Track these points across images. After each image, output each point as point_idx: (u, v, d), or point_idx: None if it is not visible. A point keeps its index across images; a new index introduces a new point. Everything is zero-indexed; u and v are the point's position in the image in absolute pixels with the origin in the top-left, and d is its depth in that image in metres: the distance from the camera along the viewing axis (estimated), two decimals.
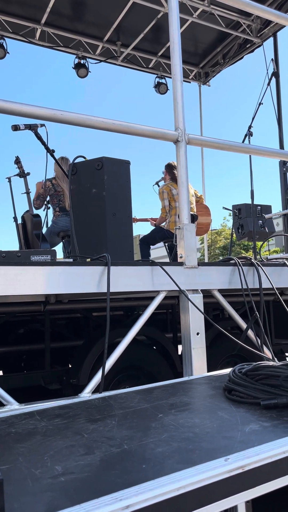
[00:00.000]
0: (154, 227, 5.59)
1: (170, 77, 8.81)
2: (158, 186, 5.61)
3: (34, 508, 0.86)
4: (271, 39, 7.30)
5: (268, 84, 5.13)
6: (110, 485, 0.94)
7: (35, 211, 4.83)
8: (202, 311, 2.37)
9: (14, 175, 4.23)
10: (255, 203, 5.28)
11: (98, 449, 1.15)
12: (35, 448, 1.19)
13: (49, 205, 5.09)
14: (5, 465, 1.07)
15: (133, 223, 4.50)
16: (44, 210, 5.03)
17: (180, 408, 1.48)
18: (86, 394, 2.02)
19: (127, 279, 2.24)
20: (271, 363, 1.63)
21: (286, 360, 3.79)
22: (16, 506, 0.87)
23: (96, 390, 2.05)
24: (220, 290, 2.59)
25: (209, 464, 1.01)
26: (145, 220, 6.33)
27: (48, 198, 5.05)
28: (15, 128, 3.37)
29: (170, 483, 0.93)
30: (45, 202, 4.94)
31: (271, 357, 2.52)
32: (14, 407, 1.83)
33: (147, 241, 5.48)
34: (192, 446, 1.13)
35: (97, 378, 2.08)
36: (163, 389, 1.77)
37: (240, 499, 0.99)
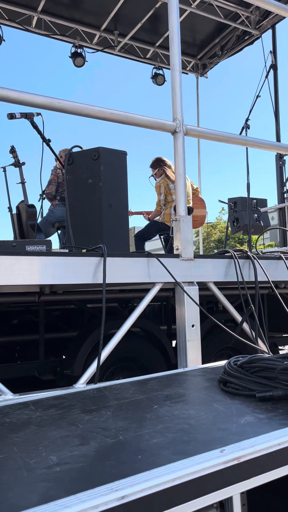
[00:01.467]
0: (148, 222, 5.55)
1: (168, 68, 8.73)
2: (155, 179, 5.57)
3: (29, 498, 0.85)
4: (270, 31, 7.25)
5: (266, 76, 5.10)
6: (105, 476, 0.93)
7: (37, 201, 4.84)
8: (198, 303, 2.37)
9: (9, 165, 4.18)
10: (251, 196, 5.27)
11: (93, 439, 1.15)
12: (30, 438, 1.18)
13: (44, 196, 5.06)
14: None
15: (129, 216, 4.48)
16: (39, 201, 5.00)
17: (175, 400, 1.48)
18: (81, 384, 2.01)
19: (123, 270, 2.23)
20: (266, 355, 1.63)
21: (279, 353, 3.81)
22: (10, 495, 0.87)
23: (91, 381, 2.04)
24: (215, 283, 2.59)
25: (205, 455, 1.01)
26: (140, 213, 6.31)
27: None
28: (11, 116, 3.32)
29: (165, 474, 0.93)
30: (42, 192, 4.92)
31: (266, 350, 2.53)
32: (8, 397, 1.82)
33: (143, 237, 5.45)
34: (187, 438, 1.13)
35: (92, 369, 2.08)
36: (158, 381, 1.77)
37: (235, 490, 0.99)
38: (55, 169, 5.08)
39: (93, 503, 0.83)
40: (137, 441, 1.12)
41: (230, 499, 1.00)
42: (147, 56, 8.03)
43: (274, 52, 6.83)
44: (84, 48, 7.45)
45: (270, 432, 1.13)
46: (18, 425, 1.30)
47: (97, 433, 1.20)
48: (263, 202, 5.77)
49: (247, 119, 4.80)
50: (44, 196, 5.01)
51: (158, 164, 5.25)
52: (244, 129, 4.76)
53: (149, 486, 0.89)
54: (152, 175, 5.69)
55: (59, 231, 5.22)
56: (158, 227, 5.28)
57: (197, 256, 2.51)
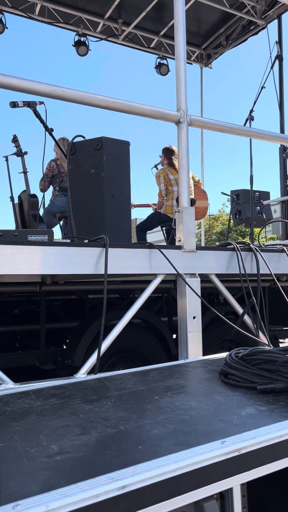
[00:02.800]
0: (151, 212, 5.55)
1: (172, 58, 8.63)
2: (157, 169, 5.55)
3: (29, 487, 0.85)
4: (276, 21, 7.15)
5: (271, 67, 5.05)
6: (106, 465, 0.93)
7: (39, 192, 4.80)
8: (200, 295, 2.36)
9: (11, 154, 4.15)
10: (254, 189, 5.24)
11: (94, 429, 1.15)
12: (31, 427, 1.19)
13: (46, 189, 5.05)
14: (0, 443, 1.07)
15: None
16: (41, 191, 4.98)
17: (176, 391, 1.48)
18: (82, 375, 2.02)
19: (125, 261, 2.22)
20: (267, 348, 1.62)
21: (279, 346, 3.81)
22: (11, 484, 0.87)
23: (92, 371, 2.05)
24: (217, 275, 2.58)
25: (206, 446, 1.01)
26: (144, 205, 6.29)
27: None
28: (13, 105, 3.29)
29: (166, 464, 0.93)
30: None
31: (267, 343, 2.53)
32: (9, 386, 1.82)
33: (144, 227, 5.44)
34: (188, 429, 1.13)
35: (93, 359, 2.08)
36: (159, 372, 1.77)
37: (235, 482, 0.99)
38: (50, 162, 5.03)
39: (93, 492, 0.83)
40: (138, 432, 1.12)
41: (230, 490, 1.00)
42: (151, 46, 7.94)
43: (280, 42, 6.74)
44: (87, 36, 7.36)
45: (271, 424, 1.13)
46: (19, 414, 1.30)
47: (98, 423, 1.20)
48: (266, 195, 5.73)
49: (251, 111, 4.76)
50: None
51: (167, 153, 5.24)
52: (248, 121, 4.72)
53: (150, 476, 0.89)
54: (155, 166, 5.68)
55: (61, 222, 5.21)
56: (160, 219, 5.27)
57: (199, 247, 2.50)
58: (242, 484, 1.02)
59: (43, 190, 4.97)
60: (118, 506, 0.85)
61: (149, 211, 5.72)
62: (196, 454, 0.97)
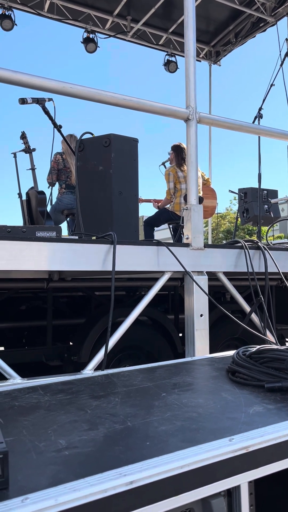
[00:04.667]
0: (158, 209, 5.54)
1: (181, 55, 8.59)
2: (165, 167, 5.53)
3: (38, 481, 0.86)
4: (285, 18, 7.10)
5: (281, 65, 5.01)
6: (114, 461, 0.94)
7: (47, 188, 4.80)
8: (207, 293, 2.36)
9: (20, 151, 4.17)
10: (261, 187, 5.21)
11: (101, 425, 1.15)
12: (39, 421, 1.19)
13: (55, 182, 5.04)
14: (9, 437, 1.08)
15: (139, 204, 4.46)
16: (48, 187, 4.99)
17: (183, 388, 1.48)
18: (89, 371, 2.03)
19: (132, 258, 2.23)
20: (275, 346, 1.62)
21: (286, 345, 3.80)
22: (20, 478, 0.87)
23: (98, 367, 2.05)
24: (225, 273, 2.58)
25: (214, 443, 1.01)
26: (149, 201, 6.28)
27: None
28: (23, 101, 3.30)
29: (174, 460, 0.93)
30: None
31: (274, 341, 2.52)
32: (17, 381, 1.83)
33: (152, 223, 5.44)
34: (195, 426, 1.13)
35: (100, 355, 2.09)
36: (166, 369, 1.77)
37: (243, 479, 0.99)
38: (55, 155, 5.01)
39: (102, 487, 0.83)
40: (145, 428, 1.12)
41: (237, 488, 1.00)
42: (160, 43, 7.92)
43: None
44: (96, 33, 7.35)
45: (279, 423, 1.12)
46: (27, 408, 1.31)
47: (106, 418, 1.20)
48: (273, 193, 5.69)
49: (260, 108, 4.73)
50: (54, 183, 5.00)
51: (177, 150, 5.22)
52: (257, 118, 4.69)
53: (158, 472, 0.89)
54: (163, 163, 5.66)
55: (68, 218, 5.22)
56: (168, 216, 5.26)
57: (207, 245, 2.50)
58: (250, 482, 1.02)
59: (52, 183, 4.97)
60: (125, 501, 0.85)
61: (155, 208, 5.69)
62: (204, 451, 0.97)
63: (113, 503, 0.84)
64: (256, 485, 1.06)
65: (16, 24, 6.78)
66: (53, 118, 3.58)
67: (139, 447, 1.01)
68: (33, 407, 1.32)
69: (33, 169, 4.12)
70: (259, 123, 4.70)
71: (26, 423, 1.18)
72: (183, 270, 2.32)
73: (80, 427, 1.14)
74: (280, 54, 5.48)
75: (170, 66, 7.84)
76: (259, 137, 4.33)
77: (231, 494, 1.01)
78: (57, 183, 5.06)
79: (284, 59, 5.06)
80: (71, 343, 3.20)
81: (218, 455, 0.96)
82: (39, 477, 0.87)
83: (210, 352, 2.38)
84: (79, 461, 0.94)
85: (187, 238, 2.45)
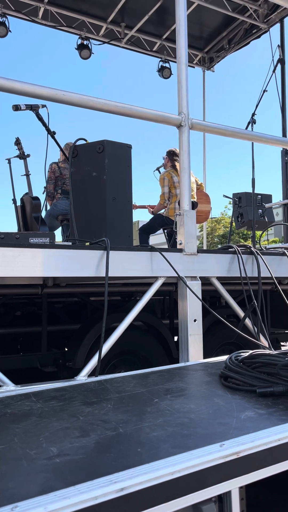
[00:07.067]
0: (152, 215, 5.56)
1: (174, 61, 8.64)
2: (159, 172, 5.56)
3: (29, 488, 0.86)
4: (278, 25, 7.16)
5: (274, 71, 5.06)
6: (105, 468, 0.94)
7: (42, 193, 4.81)
8: (201, 298, 2.36)
9: (14, 157, 4.17)
10: (256, 192, 5.25)
11: (93, 432, 1.15)
12: (31, 429, 1.19)
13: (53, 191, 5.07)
14: (0, 445, 1.07)
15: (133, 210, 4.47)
16: (43, 193, 4.99)
17: (176, 394, 1.48)
18: (82, 377, 2.02)
19: (126, 264, 2.23)
20: (267, 351, 1.63)
21: (281, 349, 3.81)
22: (11, 485, 0.87)
23: (93, 373, 2.05)
24: (218, 278, 2.59)
25: (204, 449, 1.01)
26: (144, 207, 6.29)
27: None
28: (16, 108, 3.31)
29: (165, 467, 0.93)
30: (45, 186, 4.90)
31: (267, 346, 2.53)
32: (10, 388, 1.83)
33: (147, 231, 5.45)
34: (187, 431, 1.13)
35: (94, 361, 2.09)
36: (159, 374, 1.77)
37: (234, 485, 0.99)
38: (50, 165, 5.06)
39: (92, 494, 0.83)
40: (137, 434, 1.13)
41: (228, 493, 1.00)
42: (154, 49, 7.97)
43: (282, 46, 6.75)
44: (90, 40, 7.39)
45: (270, 428, 1.13)
46: (19, 416, 1.31)
47: (98, 425, 1.20)
48: (268, 198, 5.73)
49: (253, 114, 4.77)
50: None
51: (172, 155, 5.25)
52: (250, 124, 4.73)
53: (149, 479, 0.90)
54: (157, 169, 5.68)
55: (62, 224, 5.22)
56: (162, 221, 5.27)
57: (200, 251, 2.51)
58: (241, 487, 1.02)
59: (49, 192, 4.99)
60: (116, 508, 0.85)
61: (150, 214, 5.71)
62: (195, 457, 0.97)
63: (103, 510, 0.84)
64: (247, 490, 1.07)
65: (10, 31, 6.80)
66: (47, 125, 3.59)
67: (131, 454, 1.01)
68: (25, 414, 1.32)
69: (27, 175, 4.13)
70: (252, 129, 4.73)
71: (17, 431, 1.18)
72: (177, 275, 2.32)
73: (72, 434, 1.14)
74: (272, 60, 5.54)
75: (164, 72, 7.88)
76: (252, 142, 4.36)
77: (222, 500, 1.01)
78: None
79: (276, 65, 5.11)
80: (66, 349, 3.20)
81: (208, 461, 0.97)
82: (30, 484, 0.88)
83: (205, 357, 2.38)
84: (70, 469, 0.94)
85: (180, 244, 2.46)
